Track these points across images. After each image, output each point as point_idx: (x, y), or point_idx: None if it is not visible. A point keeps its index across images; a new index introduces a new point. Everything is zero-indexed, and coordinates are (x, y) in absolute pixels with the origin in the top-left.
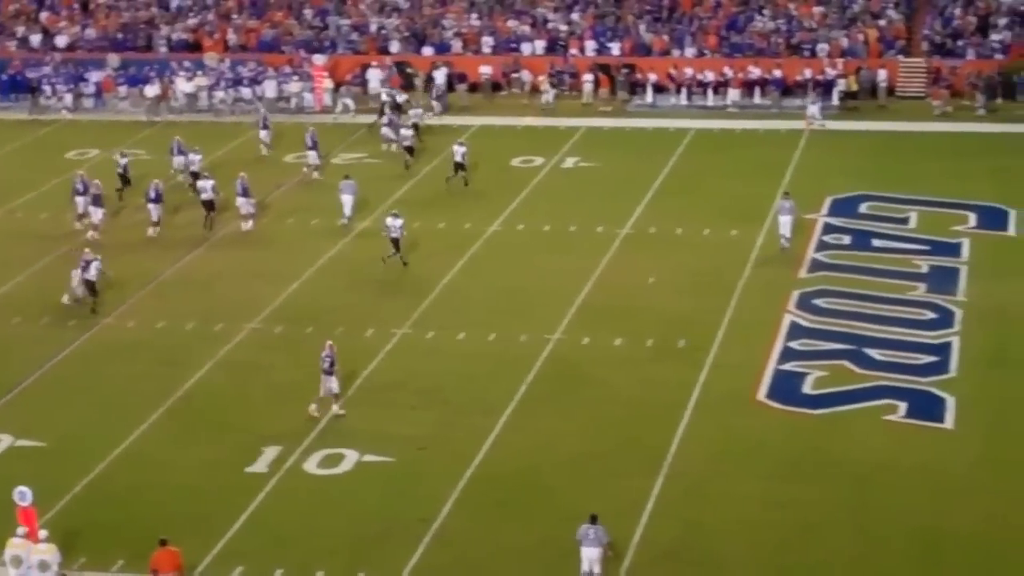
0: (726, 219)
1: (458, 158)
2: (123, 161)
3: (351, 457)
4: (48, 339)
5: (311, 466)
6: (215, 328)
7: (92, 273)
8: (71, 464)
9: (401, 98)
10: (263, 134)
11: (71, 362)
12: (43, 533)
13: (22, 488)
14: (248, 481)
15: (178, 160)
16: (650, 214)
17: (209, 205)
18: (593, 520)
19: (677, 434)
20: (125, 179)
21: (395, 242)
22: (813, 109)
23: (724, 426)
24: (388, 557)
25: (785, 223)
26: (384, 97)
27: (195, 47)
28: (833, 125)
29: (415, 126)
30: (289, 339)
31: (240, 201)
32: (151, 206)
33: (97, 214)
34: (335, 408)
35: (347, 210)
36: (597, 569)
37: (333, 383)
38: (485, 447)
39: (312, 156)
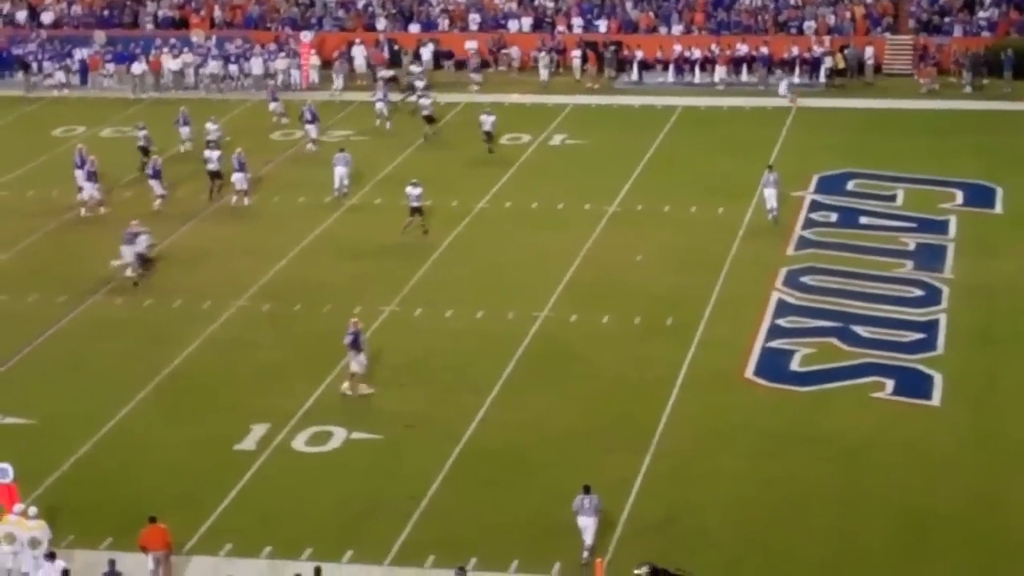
0: (713, 196)
1: (487, 127)
2: (142, 133)
3: (339, 435)
4: (35, 317)
5: (299, 444)
6: (203, 306)
7: (141, 246)
8: (59, 442)
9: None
10: (275, 106)
11: (58, 340)
12: (33, 510)
13: (3, 465)
14: (236, 459)
15: (184, 130)
16: (637, 191)
17: (216, 175)
18: (587, 490)
19: (665, 411)
20: (145, 151)
21: (416, 211)
22: (782, 87)
23: (712, 403)
24: (376, 534)
25: (771, 195)
26: (413, 71)
27: (181, 24)
28: (820, 103)
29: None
30: (277, 317)
31: (237, 176)
32: (152, 182)
33: (91, 189)
34: (363, 388)
35: (343, 182)
36: (589, 540)
37: (361, 359)
38: (473, 425)
39: (311, 129)
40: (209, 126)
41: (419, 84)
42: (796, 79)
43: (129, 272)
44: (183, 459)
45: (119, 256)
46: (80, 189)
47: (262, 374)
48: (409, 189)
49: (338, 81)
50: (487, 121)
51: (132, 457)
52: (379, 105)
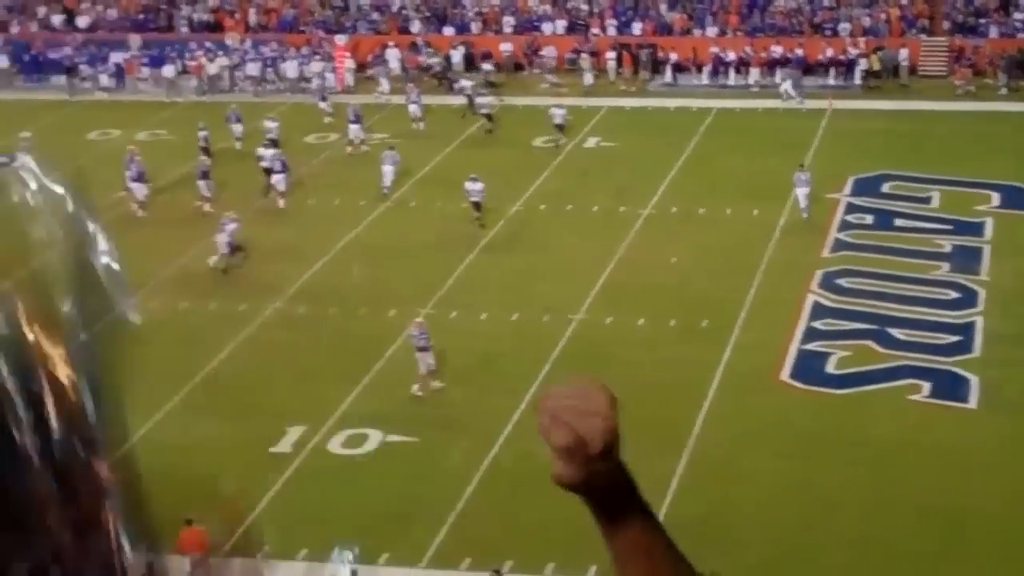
0: (748, 198)
1: (558, 120)
2: (203, 134)
3: (375, 437)
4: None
5: (335, 446)
6: (239, 308)
7: (227, 235)
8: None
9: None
10: (324, 105)
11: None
12: None
13: None
14: (272, 461)
15: (236, 128)
16: (672, 194)
17: (268, 173)
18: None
19: (700, 414)
20: (207, 151)
21: (477, 205)
22: (786, 85)
23: (747, 406)
24: (412, 537)
25: (802, 195)
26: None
27: (216, 27)
28: (855, 104)
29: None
30: (312, 319)
31: (277, 178)
32: (200, 183)
33: (141, 191)
34: (435, 384)
35: (387, 180)
36: None
37: (430, 359)
38: (508, 427)
39: (354, 129)
40: (269, 124)
41: (466, 83)
42: (831, 80)
43: (216, 260)
44: (219, 462)
45: (215, 248)
46: (127, 190)
47: (298, 377)
48: (468, 184)
49: (384, 84)
50: (557, 114)
51: (168, 460)
52: (412, 108)
